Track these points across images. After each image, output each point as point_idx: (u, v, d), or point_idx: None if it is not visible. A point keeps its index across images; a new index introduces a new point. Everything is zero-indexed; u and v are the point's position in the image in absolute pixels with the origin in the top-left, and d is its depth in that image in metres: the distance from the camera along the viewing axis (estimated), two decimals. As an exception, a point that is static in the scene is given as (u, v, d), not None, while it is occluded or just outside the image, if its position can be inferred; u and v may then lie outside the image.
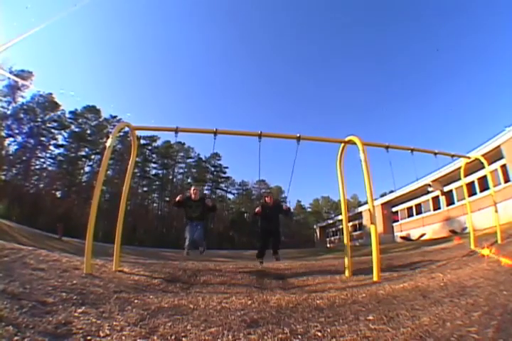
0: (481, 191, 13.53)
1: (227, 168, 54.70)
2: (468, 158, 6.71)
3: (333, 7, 65.59)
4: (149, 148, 48.13)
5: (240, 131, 4.76)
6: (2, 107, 36.02)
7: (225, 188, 55.14)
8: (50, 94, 40.96)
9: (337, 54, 70.44)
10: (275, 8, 67.93)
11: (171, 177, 50.45)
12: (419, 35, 63.43)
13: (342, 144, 4.76)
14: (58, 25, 55.41)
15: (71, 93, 51.73)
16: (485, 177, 9.34)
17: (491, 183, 7.01)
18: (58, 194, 40.12)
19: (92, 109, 45.28)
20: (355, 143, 4.31)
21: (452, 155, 6.09)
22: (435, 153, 5.67)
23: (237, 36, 74.29)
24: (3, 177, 34.55)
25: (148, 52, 70.90)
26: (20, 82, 36.02)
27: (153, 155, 49.20)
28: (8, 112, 36.78)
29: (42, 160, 40.82)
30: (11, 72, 35.33)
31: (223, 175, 54.65)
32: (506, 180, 12.55)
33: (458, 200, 15.96)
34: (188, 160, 51.72)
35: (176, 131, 4.50)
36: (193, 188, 5.53)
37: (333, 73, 73.27)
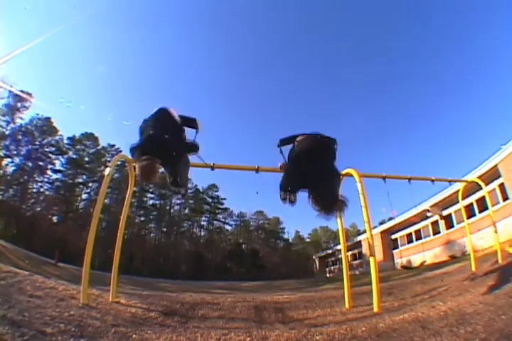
0: (480, 212, 13.57)
1: (224, 199, 54.51)
2: (466, 181, 6.81)
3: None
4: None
5: (237, 165, 4.86)
6: (0, 127, 36.45)
7: (223, 219, 54.70)
8: (49, 118, 41.65)
9: (334, 84, 73.13)
10: (270, 29, 71.09)
11: (168, 207, 50.10)
12: (414, 55, 66.04)
13: (340, 177, 4.83)
14: (56, 40, 57.20)
15: (68, 104, 52.29)
16: (483, 198, 9.41)
17: (489, 204, 7.08)
18: (55, 219, 39.66)
19: (90, 136, 45.80)
20: (352, 176, 4.41)
21: (449, 181, 6.20)
22: (432, 180, 5.79)
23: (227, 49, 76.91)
24: (0, 196, 34.33)
25: (146, 71, 72.98)
26: (22, 95, 36.49)
27: (151, 186, 49.15)
28: (7, 132, 37.18)
29: (39, 183, 40.77)
30: (10, 92, 36.08)
31: (221, 207, 54.32)
32: (505, 199, 12.62)
33: (457, 223, 15.89)
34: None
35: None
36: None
37: (329, 103, 75.60)
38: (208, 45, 74.27)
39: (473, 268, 6.04)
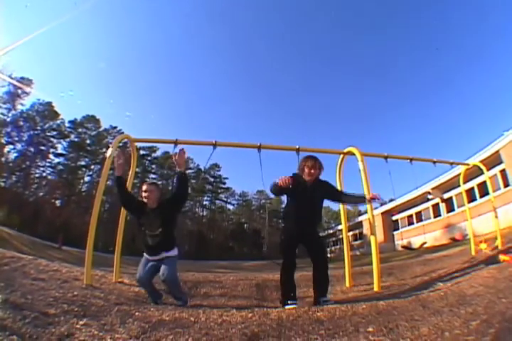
0: (481, 196, 13.58)
1: (226, 178, 54.70)
2: (468, 164, 6.73)
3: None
4: (149, 158, 48.22)
5: (239, 143, 4.78)
6: (2, 114, 36.26)
7: (225, 199, 55.07)
8: (50, 102, 41.31)
9: (336, 61, 71.50)
10: (273, 14, 69.09)
11: (170, 188, 50.29)
12: (417, 39, 64.31)
13: (341, 155, 4.78)
14: (57, 30, 56.56)
15: (70, 93, 51.95)
16: (484, 182, 9.39)
17: (490, 189, 7.06)
18: (58, 203, 40.10)
19: (92, 119, 45.54)
20: (354, 154, 4.34)
21: (451, 163, 6.11)
22: (434, 162, 5.70)
23: (234, 41, 75.38)
24: (2, 184, 34.59)
25: (148, 60, 71.88)
26: (21, 86, 36.18)
27: (153, 166, 49.18)
28: (8, 119, 37.00)
29: (42, 168, 41.03)
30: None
31: (223, 186, 54.56)
32: (506, 185, 12.61)
33: (458, 207, 15.95)
34: (188, 171, 51.50)
35: (176, 143, 4.45)
36: (144, 187, 3.34)
37: (331, 82, 74.13)
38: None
39: (473, 253, 6.08)
